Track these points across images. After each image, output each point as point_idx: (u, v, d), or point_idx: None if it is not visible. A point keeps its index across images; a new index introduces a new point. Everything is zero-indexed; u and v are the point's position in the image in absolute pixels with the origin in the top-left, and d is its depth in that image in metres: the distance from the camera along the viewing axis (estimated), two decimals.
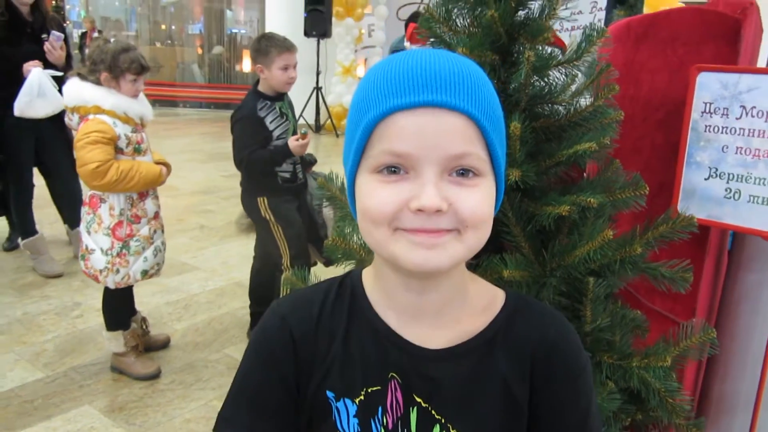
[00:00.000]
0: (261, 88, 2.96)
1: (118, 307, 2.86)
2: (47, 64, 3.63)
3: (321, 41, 9.96)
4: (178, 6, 14.33)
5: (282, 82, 2.90)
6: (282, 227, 2.97)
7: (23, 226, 3.97)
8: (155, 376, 2.83)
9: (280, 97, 2.98)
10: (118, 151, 2.61)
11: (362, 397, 0.73)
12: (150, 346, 3.05)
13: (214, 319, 3.46)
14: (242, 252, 4.39)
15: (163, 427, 2.48)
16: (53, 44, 3.60)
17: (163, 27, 14.50)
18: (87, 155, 2.50)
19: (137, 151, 2.68)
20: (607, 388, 1.17)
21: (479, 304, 0.78)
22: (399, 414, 0.73)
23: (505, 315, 0.77)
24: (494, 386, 0.74)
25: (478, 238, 0.68)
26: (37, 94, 3.49)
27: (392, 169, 0.66)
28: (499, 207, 0.74)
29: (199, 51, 14.06)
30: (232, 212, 5.45)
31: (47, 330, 3.22)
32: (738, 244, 1.79)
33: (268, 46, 2.89)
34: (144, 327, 3.06)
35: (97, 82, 2.60)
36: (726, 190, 1.42)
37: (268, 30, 7.43)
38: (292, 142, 2.86)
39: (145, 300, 3.49)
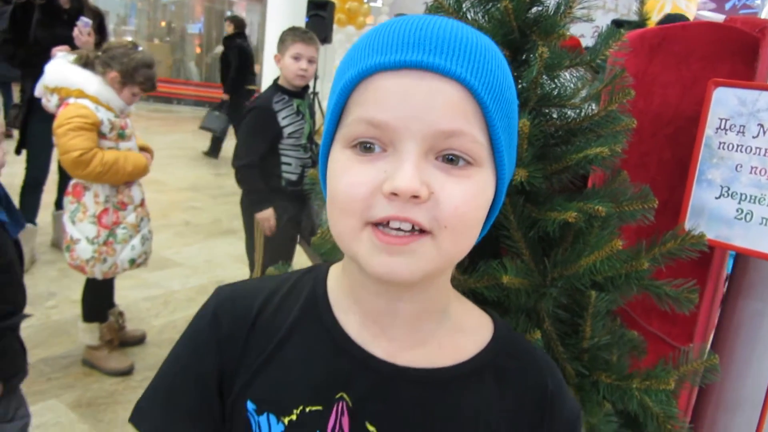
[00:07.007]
0: (280, 81, 2.91)
1: (99, 299, 2.77)
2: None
3: (321, 47, 9.94)
4: (178, 4, 14.27)
5: (292, 72, 2.82)
6: (265, 239, 2.89)
7: (24, 208, 3.88)
8: (128, 372, 2.73)
9: (300, 94, 2.89)
10: (101, 136, 2.52)
11: (294, 417, 0.60)
12: (125, 341, 2.96)
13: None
14: (227, 251, 4.30)
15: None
16: (81, 30, 3.62)
17: (163, 24, 14.45)
18: (69, 142, 2.40)
19: (121, 137, 2.60)
20: (604, 409, 1.10)
21: (463, 327, 0.67)
22: None
23: (495, 346, 0.66)
24: (473, 427, 0.62)
25: (457, 244, 0.55)
26: None
27: (367, 145, 0.54)
28: (496, 213, 0.62)
29: (198, 50, 13.99)
30: (220, 210, 5.35)
31: None
32: (740, 269, 1.73)
33: (285, 34, 2.90)
34: (120, 321, 2.96)
35: (95, 70, 2.54)
36: (737, 210, 1.35)
37: (268, 33, 7.39)
38: (262, 215, 2.80)
39: (123, 294, 3.38)
